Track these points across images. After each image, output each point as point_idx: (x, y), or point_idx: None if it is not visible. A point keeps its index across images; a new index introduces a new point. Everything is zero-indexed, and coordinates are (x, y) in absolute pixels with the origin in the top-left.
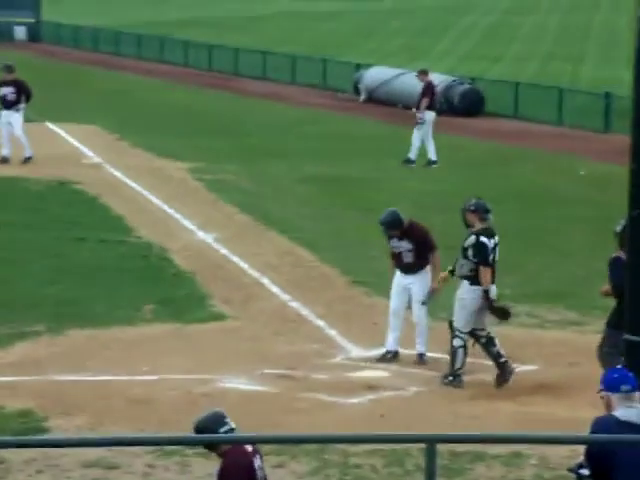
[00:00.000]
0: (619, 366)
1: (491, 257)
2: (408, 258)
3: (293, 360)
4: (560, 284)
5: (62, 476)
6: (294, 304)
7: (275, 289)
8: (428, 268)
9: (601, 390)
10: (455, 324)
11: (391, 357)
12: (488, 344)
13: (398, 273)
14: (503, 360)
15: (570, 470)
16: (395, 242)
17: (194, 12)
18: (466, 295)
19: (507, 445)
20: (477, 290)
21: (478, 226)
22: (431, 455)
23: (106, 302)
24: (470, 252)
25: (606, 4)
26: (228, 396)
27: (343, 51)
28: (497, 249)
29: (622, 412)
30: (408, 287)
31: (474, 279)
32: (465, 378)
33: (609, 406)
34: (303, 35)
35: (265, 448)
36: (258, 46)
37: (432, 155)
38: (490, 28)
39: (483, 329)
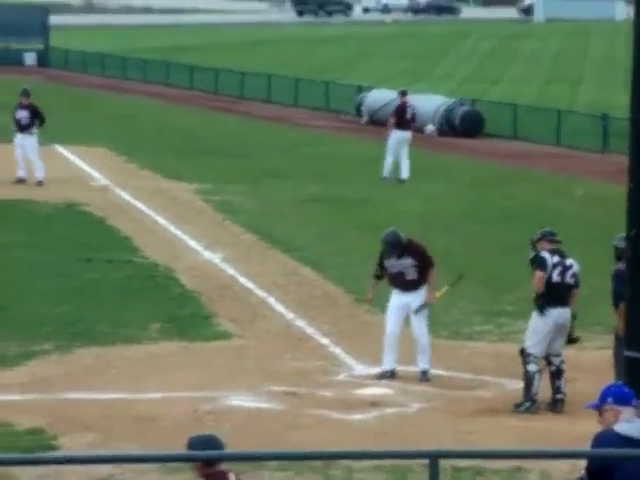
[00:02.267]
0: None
1: (551, 274)
2: (411, 275)
3: (298, 377)
4: None
5: None
6: (299, 322)
7: (280, 308)
8: (426, 287)
9: (606, 404)
10: (529, 349)
11: (390, 375)
12: (555, 374)
13: (395, 294)
14: (559, 397)
15: None
16: (394, 261)
17: (200, 38)
18: (537, 317)
19: (508, 460)
20: (549, 312)
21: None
22: (434, 470)
23: (113, 321)
24: (531, 269)
25: (603, 28)
26: (234, 413)
27: (345, 74)
28: (570, 271)
29: (623, 427)
30: (407, 305)
31: (536, 298)
32: (467, 394)
33: (615, 420)
34: (306, 58)
35: (271, 464)
36: (263, 69)
37: (404, 174)
38: (490, 52)
39: (558, 355)
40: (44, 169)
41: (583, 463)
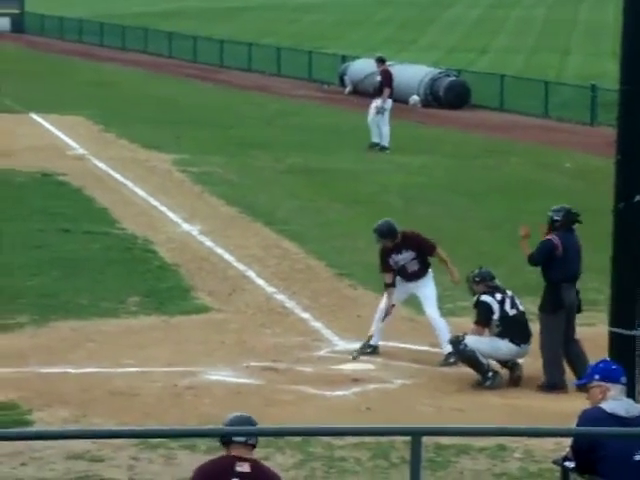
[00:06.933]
0: (606, 357)
1: (501, 312)
2: (414, 267)
3: (278, 352)
4: None
5: (46, 468)
6: (279, 296)
7: (260, 281)
8: (430, 271)
9: (593, 381)
10: (467, 340)
11: (371, 351)
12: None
13: (399, 281)
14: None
15: (555, 462)
16: (395, 257)
17: (178, 3)
18: (505, 342)
19: (492, 438)
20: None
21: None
22: (416, 448)
23: (90, 294)
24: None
25: None
26: (212, 389)
27: (328, 43)
28: (516, 299)
29: (610, 405)
30: (408, 287)
31: (504, 334)
32: (451, 371)
33: (602, 397)
34: (288, 26)
35: None
36: (243, 38)
37: (385, 142)
38: (476, 21)
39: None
40: None
41: (568, 442)
